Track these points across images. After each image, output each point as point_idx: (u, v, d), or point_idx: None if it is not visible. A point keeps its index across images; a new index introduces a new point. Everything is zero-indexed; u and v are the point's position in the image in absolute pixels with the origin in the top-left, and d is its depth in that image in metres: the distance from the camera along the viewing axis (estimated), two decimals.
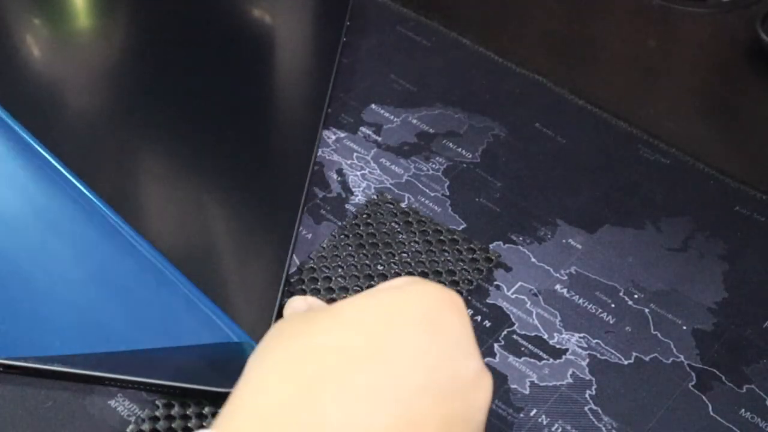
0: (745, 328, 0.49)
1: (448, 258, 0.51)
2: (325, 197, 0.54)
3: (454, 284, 0.50)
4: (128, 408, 0.44)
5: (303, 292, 0.49)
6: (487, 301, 0.50)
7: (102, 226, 0.50)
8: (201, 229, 0.52)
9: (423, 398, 0.33)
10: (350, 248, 0.51)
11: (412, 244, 0.51)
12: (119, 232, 0.49)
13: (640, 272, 0.52)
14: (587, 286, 0.51)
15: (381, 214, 0.53)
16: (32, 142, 0.54)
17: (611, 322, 0.49)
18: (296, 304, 0.43)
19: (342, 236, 0.52)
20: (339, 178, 0.55)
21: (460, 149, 0.58)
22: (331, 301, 0.49)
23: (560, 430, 0.45)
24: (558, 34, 0.67)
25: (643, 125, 0.59)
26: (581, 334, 0.49)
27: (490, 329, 0.49)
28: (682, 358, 0.48)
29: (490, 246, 0.52)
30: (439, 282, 0.50)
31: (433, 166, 0.56)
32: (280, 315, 0.46)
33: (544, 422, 0.45)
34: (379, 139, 0.58)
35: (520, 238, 0.53)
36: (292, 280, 0.49)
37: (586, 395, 0.46)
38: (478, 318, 0.49)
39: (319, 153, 0.56)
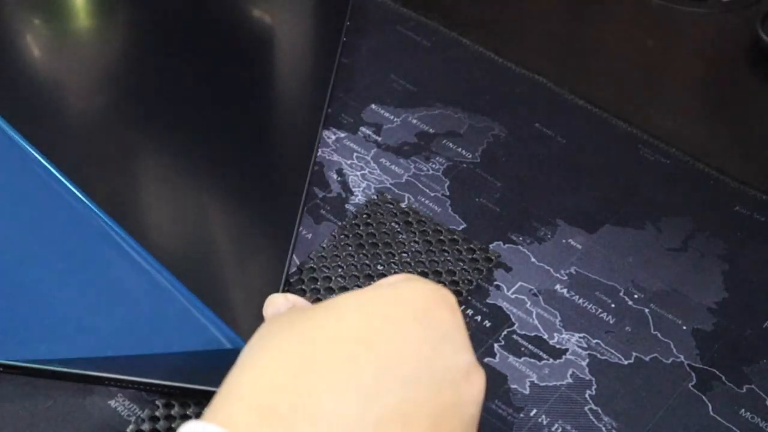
0: (745, 328, 0.49)
1: (448, 258, 0.51)
2: (325, 197, 0.54)
3: (454, 284, 0.50)
4: (128, 408, 0.44)
5: (303, 292, 0.49)
6: (487, 301, 0.50)
7: (98, 232, 0.49)
8: (200, 229, 0.52)
9: (414, 389, 0.33)
10: (350, 248, 0.51)
11: (411, 244, 0.51)
12: (115, 238, 0.49)
13: (640, 272, 0.52)
14: (587, 286, 0.51)
15: (381, 214, 0.53)
16: (25, 144, 0.54)
17: (611, 322, 0.49)
18: (278, 301, 0.43)
19: (342, 236, 0.52)
20: (339, 178, 0.55)
21: (460, 149, 0.58)
22: None
23: (560, 430, 0.45)
24: (558, 34, 0.67)
25: (643, 125, 0.59)
26: (581, 334, 0.49)
27: (490, 329, 0.49)
28: (682, 358, 0.48)
29: (490, 246, 0.52)
30: (439, 282, 0.50)
31: (433, 166, 0.56)
32: None
33: (544, 422, 0.45)
34: (379, 139, 0.58)
35: (520, 238, 0.53)
36: (292, 280, 0.49)
37: (586, 395, 0.46)
38: (478, 318, 0.49)
39: (319, 153, 0.56)
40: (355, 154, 0.57)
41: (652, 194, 0.56)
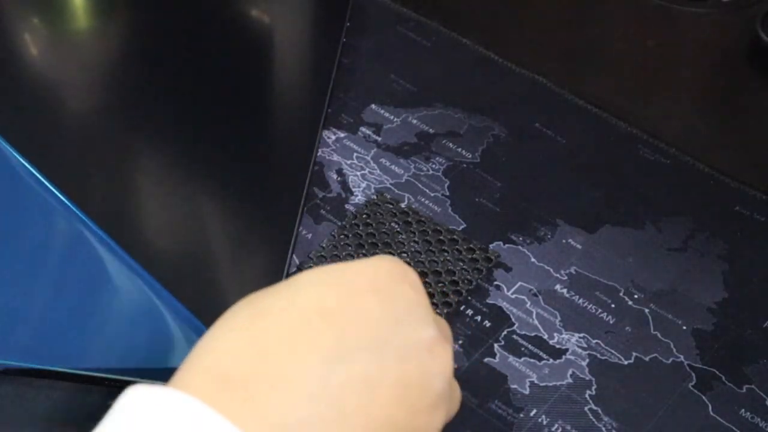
0: (745, 328, 0.49)
1: (448, 258, 0.51)
2: (325, 197, 0.54)
3: (453, 284, 0.50)
4: None
5: None
6: (487, 301, 0.50)
7: (90, 243, 0.49)
8: (200, 231, 0.52)
9: (377, 358, 0.33)
10: (350, 248, 0.51)
11: (411, 244, 0.51)
12: (107, 250, 0.49)
13: (640, 272, 0.52)
14: (587, 286, 0.51)
15: (381, 214, 0.53)
16: (12, 151, 0.53)
17: (611, 322, 0.49)
18: None
19: (342, 236, 0.52)
20: (339, 178, 0.55)
21: (460, 149, 0.58)
22: None
23: (560, 430, 0.45)
24: (558, 34, 0.67)
25: (643, 125, 0.59)
26: (581, 334, 0.49)
27: (490, 329, 0.49)
28: (682, 358, 0.48)
29: (490, 246, 0.52)
30: (439, 282, 0.50)
31: (433, 166, 0.56)
32: None
33: (544, 422, 0.45)
34: (379, 139, 0.58)
35: (520, 238, 0.53)
36: None
37: (586, 395, 0.46)
38: (478, 318, 0.49)
39: (319, 153, 0.56)
40: (355, 154, 0.57)
41: (652, 194, 0.56)
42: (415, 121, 0.59)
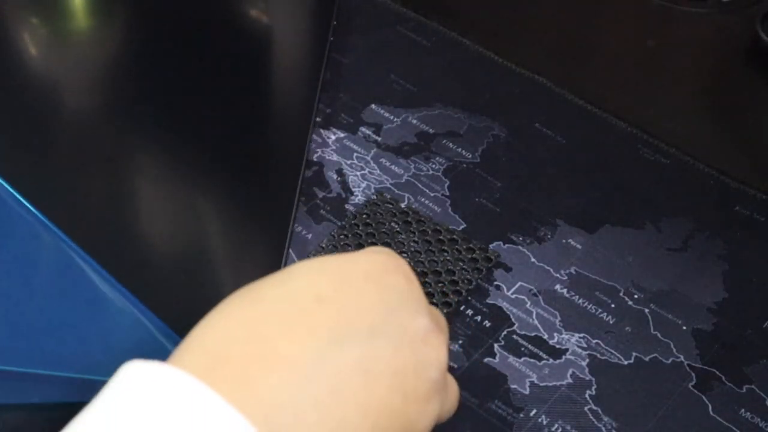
0: (745, 328, 0.49)
1: (448, 258, 0.51)
2: (325, 197, 0.54)
3: (453, 284, 0.50)
4: None
5: None
6: (487, 301, 0.50)
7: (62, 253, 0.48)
8: (193, 233, 0.52)
9: (372, 344, 0.33)
10: (350, 248, 0.51)
11: (411, 244, 0.51)
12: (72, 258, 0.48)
13: (640, 272, 0.52)
14: (587, 286, 0.51)
15: (380, 214, 0.53)
16: None
17: (611, 322, 0.49)
18: None
19: (341, 236, 0.52)
20: (339, 178, 0.55)
21: (460, 149, 0.58)
22: None
23: (560, 430, 0.45)
24: (558, 34, 0.67)
25: (643, 125, 0.59)
26: (581, 334, 0.49)
27: (490, 329, 0.49)
28: (682, 358, 0.48)
29: (490, 246, 0.52)
30: (439, 282, 0.50)
31: (433, 166, 0.56)
32: None
33: (544, 422, 0.45)
34: (379, 139, 0.58)
35: (520, 238, 0.53)
36: None
37: (586, 395, 0.46)
38: (478, 318, 0.49)
39: (319, 153, 0.56)
40: (355, 154, 0.57)
41: (652, 194, 0.56)
42: (415, 121, 0.59)
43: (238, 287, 0.48)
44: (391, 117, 0.59)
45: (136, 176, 0.55)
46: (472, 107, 0.60)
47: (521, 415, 0.45)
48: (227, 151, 0.56)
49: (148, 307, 0.47)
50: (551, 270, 0.51)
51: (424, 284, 0.50)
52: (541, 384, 0.47)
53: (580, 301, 0.50)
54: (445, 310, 0.49)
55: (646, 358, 0.48)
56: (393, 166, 0.56)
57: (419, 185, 0.55)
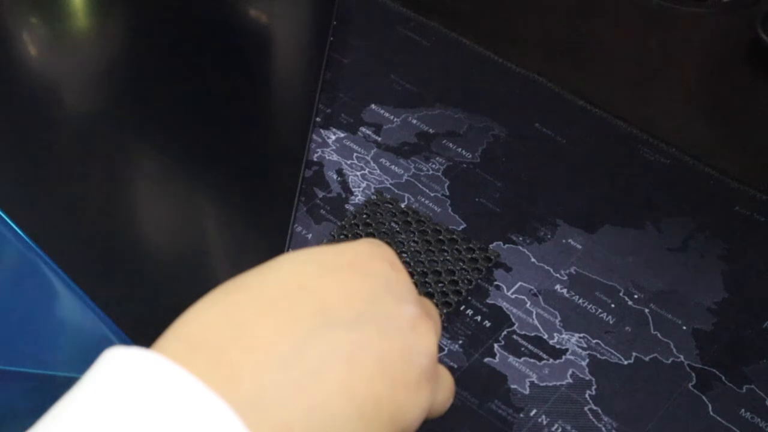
0: (745, 328, 0.49)
1: (448, 258, 0.51)
2: (325, 197, 0.54)
3: (453, 284, 0.50)
4: None
5: None
6: (487, 301, 0.50)
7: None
8: (192, 234, 0.52)
9: (357, 330, 0.33)
10: None
11: (411, 244, 0.51)
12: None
13: (640, 272, 0.52)
14: (587, 286, 0.51)
15: (380, 214, 0.53)
16: None
17: (611, 322, 0.49)
18: None
19: (341, 236, 0.52)
20: (339, 178, 0.55)
21: (460, 149, 0.58)
22: None
23: (560, 430, 0.45)
24: (557, 34, 0.67)
25: (643, 125, 0.59)
26: (581, 334, 0.49)
27: (490, 329, 0.49)
28: (682, 358, 0.48)
29: (490, 246, 0.52)
30: (439, 282, 0.50)
31: (433, 166, 0.56)
32: None
33: (544, 422, 0.45)
34: (379, 139, 0.58)
35: (520, 238, 0.53)
36: None
37: (586, 395, 0.46)
38: (478, 318, 0.49)
39: (319, 153, 0.56)
40: (355, 154, 0.57)
41: (652, 194, 0.56)
42: (415, 121, 0.59)
43: None
44: (391, 117, 0.59)
45: (135, 176, 0.55)
46: (472, 107, 0.60)
47: (521, 415, 0.45)
48: (227, 151, 0.56)
49: (148, 307, 0.47)
50: (551, 270, 0.51)
51: (424, 284, 0.50)
52: (541, 384, 0.47)
53: (580, 301, 0.50)
54: (445, 310, 0.49)
55: (646, 358, 0.48)
56: (393, 166, 0.56)
57: (419, 185, 0.55)
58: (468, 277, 0.50)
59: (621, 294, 0.50)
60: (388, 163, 0.56)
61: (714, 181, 0.57)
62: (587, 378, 0.47)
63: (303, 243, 0.51)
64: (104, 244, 0.50)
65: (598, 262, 0.52)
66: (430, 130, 0.59)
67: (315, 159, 0.56)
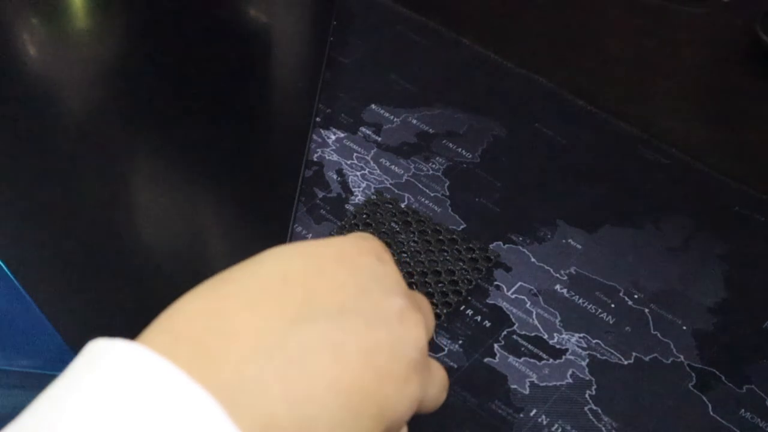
0: (745, 328, 0.49)
1: (448, 258, 0.51)
2: (325, 197, 0.54)
3: (453, 284, 0.50)
4: None
5: None
6: (487, 301, 0.50)
7: None
8: (193, 234, 0.52)
9: (342, 321, 0.32)
10: None
11: (411, 244, 0.51)
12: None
13: (640, 272, 0.52)
14: (587, 286, 0.51)
15: (380, 214, 0.53)
16: None
17: (611, 322, 0.49)
18: None
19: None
20: (339, 178, 0.55)
21: (460, 149, 0.58)
22: None
23: (560, 430, 0.45)
24: (558, 34, 0.67)
25: (643, 125, 0.59)
26: (581, 334, 0.49)
27: (490, 329, 0.49)
28: (682, 358, 0.48)
29: (490, 246, 0.52)
30: (439, 282, 0.50)
31: (433, 166, 0.56)
32: None
33: (544, 422, 0.45)
34: (379, 139, 0.58)
35: (520, 238, 0.53)
36: None
37: (586, 395, 0.46)
38: (478, 318, 0.49)
39: (319, 153, 0.56)
40: (355, 154, 0.57)
41: (652, 194, 0.56)
42: (415, 121, 0.59)
43: None
44: (391, 117, 0.59)
45: (135, 176, 0.55)
46: (472, 107, 0.60)
47: (521, 415, 0.45)
48: (227, 151, 0.56)
49: (146, 307, 0.46)
50: (551, 270, 0.51)
51: (424, 284, 0.50)
52: (541, 384, 0.47)
53: (580, 301, 0.50)
54: (445, 310, 0.49)
55: (646, 358, 0.48)
56: (393, 166, 0.56)
57: (419, 185, 0.55)
58: (468, 277, 0.50)
59: (621, 294, 0.50)
60: (388, 163, 0.56)
61: (714, 181, 0.57)
62: (587, 378, 0.47)
63: None
64: (103, 243, 0.50)
65: (598, 262, 0.52)
66: (430, 130, 0.59)
67: (315, 159, 0.56)
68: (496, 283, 0.51)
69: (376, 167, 0.56)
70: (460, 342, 0.48)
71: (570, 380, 0.47)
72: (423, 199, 0.54)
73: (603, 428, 0.45)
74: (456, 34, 0.65)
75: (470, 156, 0.57)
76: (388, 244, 0.51)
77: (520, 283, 0.51)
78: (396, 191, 0.55)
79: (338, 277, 0.34)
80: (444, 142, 0.58)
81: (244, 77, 0.60)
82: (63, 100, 0.60)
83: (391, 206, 0.53)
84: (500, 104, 0.60)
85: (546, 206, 0.55)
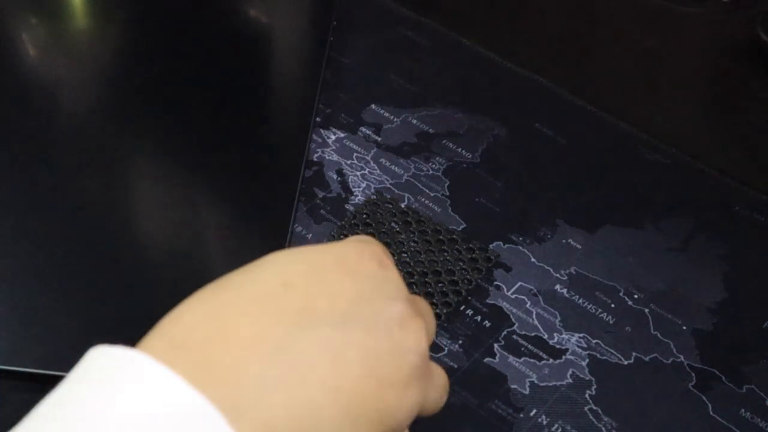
0: (745, 328, 0.49)
1: (448, 258, 0.51)
2: (325, 197, 0.54)
3: (453, 284, 0.50)
4: None
5: None
6: (487, 301, 0.50)
7: None
8: (193, 234, 0.52)
9: (343, 328, 0.32)
10: None
11: (411, 244, 0.51)
12: None
13: (640, 272, 0.51)
14: (587, 286, 0.51)
15: (380, 214, 0.53)
16: None
17: (611, 322, 0.49)
18: None
19: (341, 236, 0.52)
20: (339, 178, 0.55)
21: (460, 149, 0.58)
22: None
23: (560, 430, 0.45)
24: (558, 34, 0.67)
25: (643, 125, 0.59)
26: (581, 334, 0.49)
27: (490, 329, 0.49)
28: (682, 358, 0.48)
29: (490, 246, 0.52)
30: (439, 282, 0.50)
31: (433, 166, 0.56)
32: None
33: (544, 422, 0.45)
34: (379, 139, 0.58)
35: (520, 238, 0.53)
36: None
37: (586, 395, 0.46)
38: (478, 318, 0.49)
39: (319, 153, 0.56)
40: (355, 154, 0.57)
41: (652, 194, 0.56)
42: (415, 121, 0.59)
43: None
44: (391, 117, 0.59)
45: (135, 176, 0.55)
46: (472, 107, 0.60)
47: (521, 415, 0.45)
48: (227, 151, 0.56)
49: (147, 308, 0.46)
50: (551, 270, 0.51)
51: (424, 284, 0.50)
52: (541, 384, 0.47)
53: (580, 301, 0.50)
54: (445, 310, 0.49)
55: (646, 358, 0.48)
56: (393, 166, 0.56)
57: (419, 185, 0.55)
58: (468, 277, 0.50)
59: (621, 294, 0.50)
60: (388, 163, 0.56)
61: (714, 181, 0.57)
62: (587, 378, 0.47)
63: (303, 243, 0.51)
64: (103, 243, 0.50)
65: (598, 262, 0.52)
66: (430, 130, 0.59)
67: (315, 159, 0.56)
68: (496, 283, 0.51)
69: (376, 167, 0.56)
70: (460, 342, 0.48)
71: (570, 380, 0.47)
72: (423, 199, 0.54)
73: (603, 428, 0.45)
74: (456, 34, 0.65)
75: (470, 156, 0.57)
76: (388, 245, 0.51)
77: (520, 283, 0.51)
78: (396, 191, 0.55)
79: (338, 284, 0.34)
80: (444, 142, 0.58)
81: (244, 77, 0.60)
82: (62, 99, 0.60)
83: (391, 206, 0.53)
84: (500, 104, 0.60)
85: (546, 206, 0.55)
